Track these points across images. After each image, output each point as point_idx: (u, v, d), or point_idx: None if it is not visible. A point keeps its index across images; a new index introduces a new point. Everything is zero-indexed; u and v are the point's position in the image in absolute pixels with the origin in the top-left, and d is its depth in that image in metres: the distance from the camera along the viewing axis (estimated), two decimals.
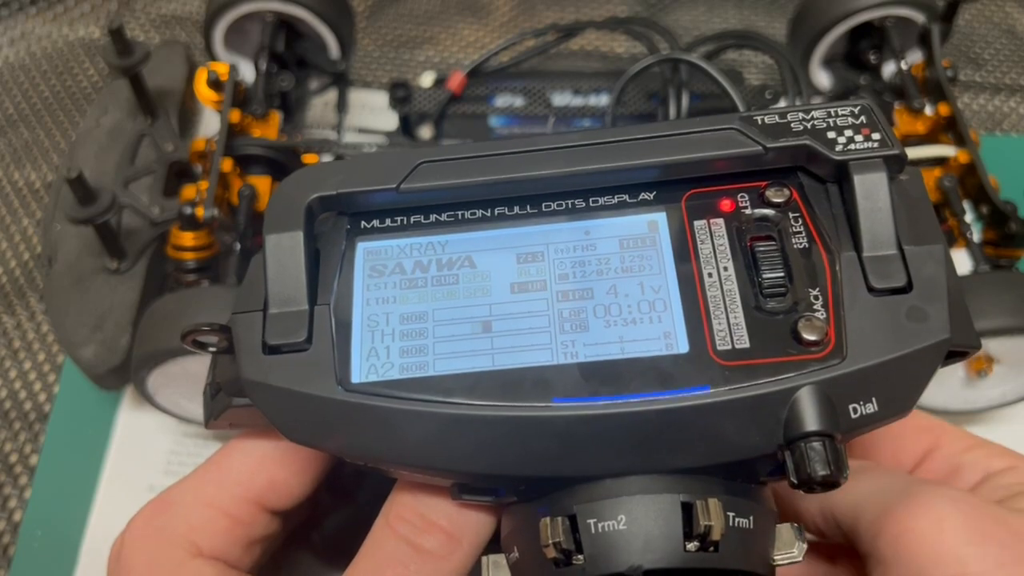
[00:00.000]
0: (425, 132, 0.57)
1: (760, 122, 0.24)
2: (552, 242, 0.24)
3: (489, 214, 0.25)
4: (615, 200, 0.25)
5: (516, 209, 0.25)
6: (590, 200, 0.25)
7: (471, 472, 0.23)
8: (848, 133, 0.23)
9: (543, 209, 0.25)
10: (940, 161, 0.53)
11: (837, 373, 0.21)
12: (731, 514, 0.22)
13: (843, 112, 0.24)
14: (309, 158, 0.56)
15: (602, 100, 0.57)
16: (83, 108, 0.66)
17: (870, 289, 0.22)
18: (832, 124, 0.24)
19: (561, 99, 0.58)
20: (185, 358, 0.44)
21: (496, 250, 0.24)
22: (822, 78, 0.64)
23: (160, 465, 0.51)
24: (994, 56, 0.72)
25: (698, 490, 0.22)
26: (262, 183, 0.52)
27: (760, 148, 0.23)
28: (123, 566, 0.25)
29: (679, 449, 0.22)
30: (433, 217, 0.25)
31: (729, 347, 0.22)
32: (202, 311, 0.45)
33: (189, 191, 0.51)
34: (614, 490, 0.22)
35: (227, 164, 0.50)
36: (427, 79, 0.58)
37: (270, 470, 0.26)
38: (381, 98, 0.61)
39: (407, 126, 0.57)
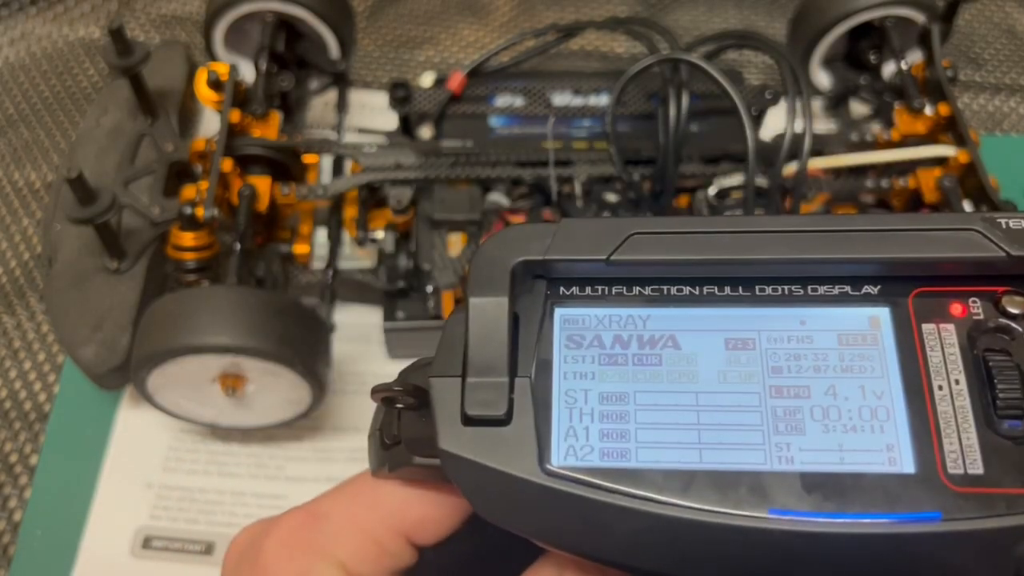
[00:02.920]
0: (425, 132, 0.57)
1: (1004, 226, 0.23)
2: (764, 329, 0.23)
3: (697, 292, 0.24)
4: (836, 291, 0.23)
5: (727, 290, 0.23)
6: (808, 288, 0.23)
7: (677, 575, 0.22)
8: None
9: (756, 292, 0.23)
10: (940, 161, 0.53)
11: None
12: None
13: None
14: (309, 158, 0.56)
15: (602, 100, 0.57)
16: (83, 108, 0.66)
17: None
18: None
19: (561, 99, 0.58)
20: (185, 358, 0.44)
21: (703, 331, 0.23)
22: (822, 78, 0.64)
23: (158, 463, 0.52)
24: (994, 56, 0.72)
25: None
26: (262, 183, 0.52)
27: (1003, 255, 0.22)
28: (263, 570, 0.25)
29: None
30: (636, 290, 0.24)
31: (961, 471, 0.21)
32: (202, 311, 0.45)
33: (189, 191, 0.51)
34: None
35: (227, 164, 0.50)
36: (427, 79, 0.58)
37: (424, 506, 0.26)
38: (381, 98, 0.61)
39: (407, 126, 0.58)
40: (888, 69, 0.63)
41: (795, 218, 0.23)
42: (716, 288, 0.24)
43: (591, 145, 0.55)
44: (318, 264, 0.56)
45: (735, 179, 0.53)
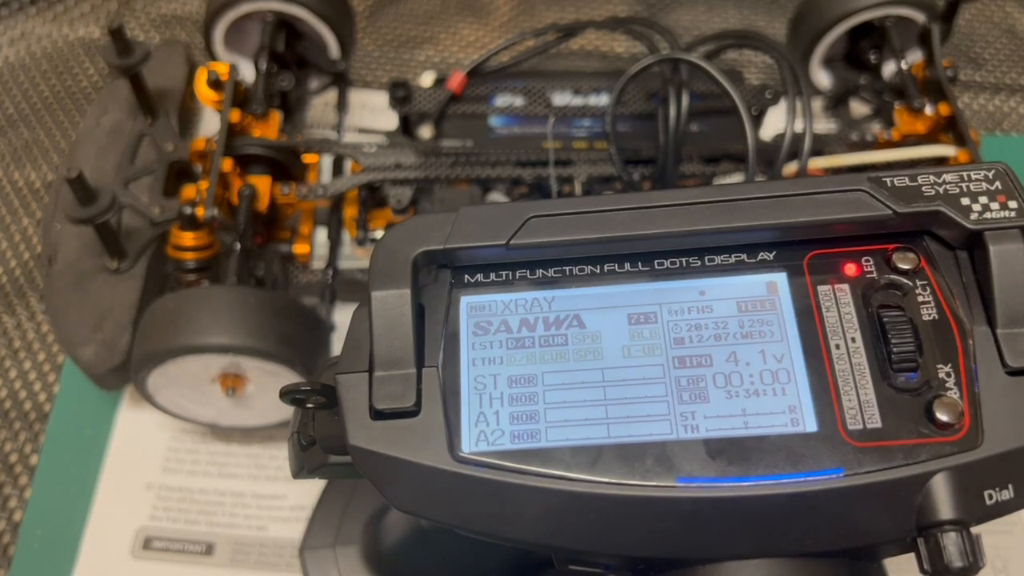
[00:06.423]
0: (425, 132, 0.57)
1: (890, 184, 0.23)
2: (665, 302, 0.23)
3: (598, 270, 0.24)
4: (732, 259, 0.24)
5: (627, 266, 0.24)
6: (705, 258, 0.24)
7: (590, 551, 0.22)
8: (983, 200, 0.23)
9: (655, 267, 0.24)
10: (940, 161, 0.53)
11: (974, 459, 0.20)
12: None
13: (977, 176, 0.23)
14: (309, 158, 0.56)
15: (602, 100, 0.57)
16: (83, 108, 0.66)
17: (1005, 368, 0.21)
18: (965, 189, 0.23)
19: (561, 99, 0.58)
20: (185, 358, 0.44)
21: (606, 309, 0.23)
22: (822, 78, 0.64)
23: (158, 463, 0.52)
24: (994, 56, 0.72)
25: (825, 574, 0.21)
26: (262, 183, 0.52)
27: (890, 212, 0.23)
28: None
29: (808, 533, 0.21)
30: (539, 272, 0.24)
31: (860, 427, 0.21)
32: (202, 311, 0.45)
33: (189, 191, 0.51)
34: (739, 575, 0.21)
35: (227, 164, 0.50)
36: (427, 79, 0.58)
37: None
38: (381, 98, 0.61)
39: (407, 126, 0.57)
40: (888, 69, 0.63)
41: (688, 191, 0.24)
42: (617, 265, 0.24)
43: (591, 145, 0.55)
44: (318, 264, 0.56)
45: (735, 179, 0.53)
